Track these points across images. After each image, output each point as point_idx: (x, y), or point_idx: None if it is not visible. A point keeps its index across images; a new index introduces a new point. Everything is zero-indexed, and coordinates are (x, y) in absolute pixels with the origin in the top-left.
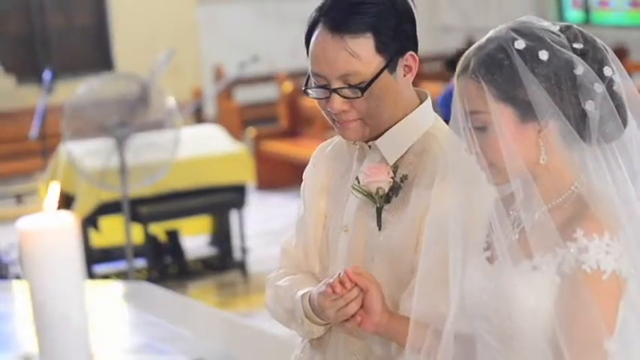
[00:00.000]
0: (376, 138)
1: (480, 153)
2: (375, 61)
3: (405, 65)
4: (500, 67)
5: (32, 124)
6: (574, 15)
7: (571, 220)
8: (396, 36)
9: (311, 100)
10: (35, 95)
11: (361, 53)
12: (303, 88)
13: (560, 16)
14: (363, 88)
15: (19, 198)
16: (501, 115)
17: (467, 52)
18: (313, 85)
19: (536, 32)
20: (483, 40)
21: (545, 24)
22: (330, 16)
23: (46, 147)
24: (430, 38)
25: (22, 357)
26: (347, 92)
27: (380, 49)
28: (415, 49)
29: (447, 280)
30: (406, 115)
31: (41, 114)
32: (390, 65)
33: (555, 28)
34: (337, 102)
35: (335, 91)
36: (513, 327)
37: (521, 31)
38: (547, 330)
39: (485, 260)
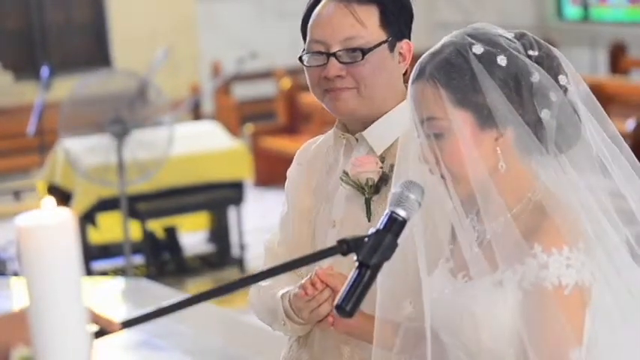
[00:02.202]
0: (363, 129)
1: (437, 161)
2: (378, 33)
3: (400, 53)
4: (458, 72)
5: (30, 120)
6: (573, 11)
7: (529, 233)
8: (399, 17)
9: (309, 97)
10: (33, 92)
11: (366, 21)
12: (299, 56)
13: (559, 13)
14: (365, 50)
15: (16, 194)
16: (460, 121)
17: (421, 58)
18: (309, 51)
19: (493, 38)
20: (438, 45)
21: (500, 30)
22: None
23: (43, 143)
24: (427, 35)
25: (19, 354)
26: (345, 57)
27: (384, 23)
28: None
29: (408, 279)
30: (395, 106)
31: (39, 110)
32: (390, 42)
33: (510, 35)
34: (334, 67)
35: (334, 55)
36: (480, 342)
37: (478, 37)
38: (514, 344)
39: (448, 272)
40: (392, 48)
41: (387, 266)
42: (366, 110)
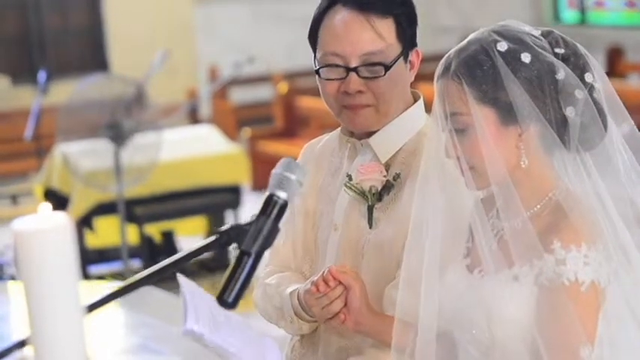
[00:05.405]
0: (368, 136)
1: (460, 156)
2: (396, 45)
3: (410, 61)
4: (482, 69)
5: (27, 124)
6: (570, 15)
7: (549, 230)
8: (411, 26)
9: (307, 101)
10: (30, 96)
11: (385, 35)
12: (315, 69)
13: (556, 16)
14: (388, 65)
15: (14, 198)
16: (482, 117)
17: (448, 54)
18: (326, 64)
19: (519, 35)
20: (465, 42)
21: (527, 28)
22: None
23: (41, 147)
24: (427, 39)
25: (17, 359)
26: (366, 72)
27: (400, 34)
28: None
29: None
30: (400, 114)
31: (36, 115)
32: (404, 53)
33: (537, 33)
34: (355, 82)
35: (355, 70)
36: (493, 337)
37: (504, 34)
38: (526, 339)
39: (465, 268)
40: (406, 59)
41: (408, 266)
42: (381, 125)
